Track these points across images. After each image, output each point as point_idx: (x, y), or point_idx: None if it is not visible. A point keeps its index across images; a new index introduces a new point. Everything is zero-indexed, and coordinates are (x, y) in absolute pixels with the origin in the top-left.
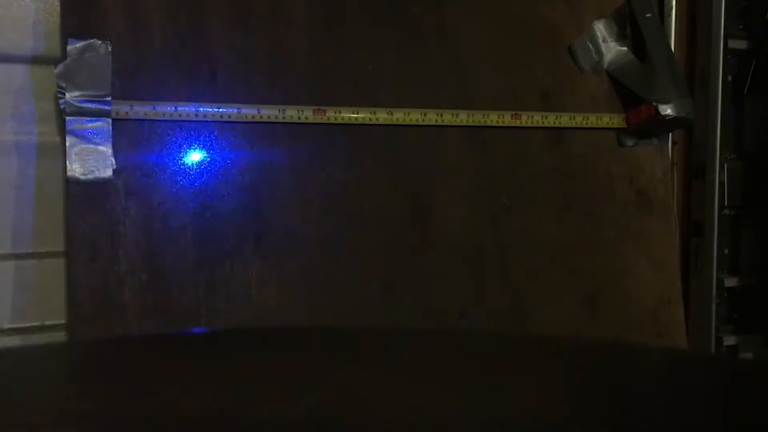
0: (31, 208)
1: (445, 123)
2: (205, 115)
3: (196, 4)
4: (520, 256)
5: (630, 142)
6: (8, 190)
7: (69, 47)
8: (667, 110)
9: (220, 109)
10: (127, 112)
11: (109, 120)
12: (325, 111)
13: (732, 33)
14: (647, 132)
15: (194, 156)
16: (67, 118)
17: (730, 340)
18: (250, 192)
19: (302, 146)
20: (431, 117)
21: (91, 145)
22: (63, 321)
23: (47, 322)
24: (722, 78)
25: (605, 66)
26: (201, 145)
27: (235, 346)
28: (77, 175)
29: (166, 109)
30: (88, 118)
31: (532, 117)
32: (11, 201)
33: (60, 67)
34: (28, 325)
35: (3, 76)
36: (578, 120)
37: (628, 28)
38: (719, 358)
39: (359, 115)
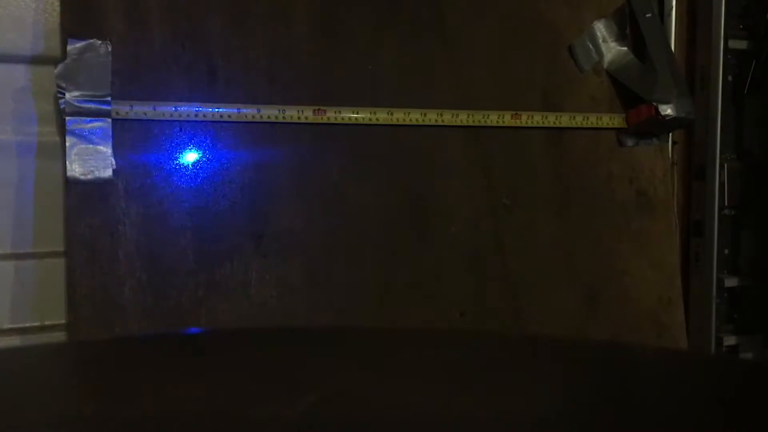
0: (31, 208)
1: (445, 123)
2: (204, 115)
3: (196, 4)
4: (520, 256)
5: (630, 142)
6: (8, 190)
7: (69, 47)
8: (667, 110)
9: (220, 109)
10: (127, 112)
11: (109, 120)
12: (325, 111)
13: (732, 33)
14: (647, 132)
15: (194, 156)
16: (67, 118)
17: (730, 340)
18: (250, 192)
19: (302, 146)
20: (431, 117)
21: (91, 145)
22: (63, 321)
23: (47, 322)
24: (722, 78)
25: (605, 66)
26: (201, 145)
27: (235, 346)
28: (77, 175)
29: (166, 109)
30: (88, 118)
31: (532, 117)
32: (11, 201)
33: (60, 67)
34: (28, 325)
35: (3, 76)
36: (578, 120)
37: (628, 28)
38: (719, 358)
39: (359, 115)
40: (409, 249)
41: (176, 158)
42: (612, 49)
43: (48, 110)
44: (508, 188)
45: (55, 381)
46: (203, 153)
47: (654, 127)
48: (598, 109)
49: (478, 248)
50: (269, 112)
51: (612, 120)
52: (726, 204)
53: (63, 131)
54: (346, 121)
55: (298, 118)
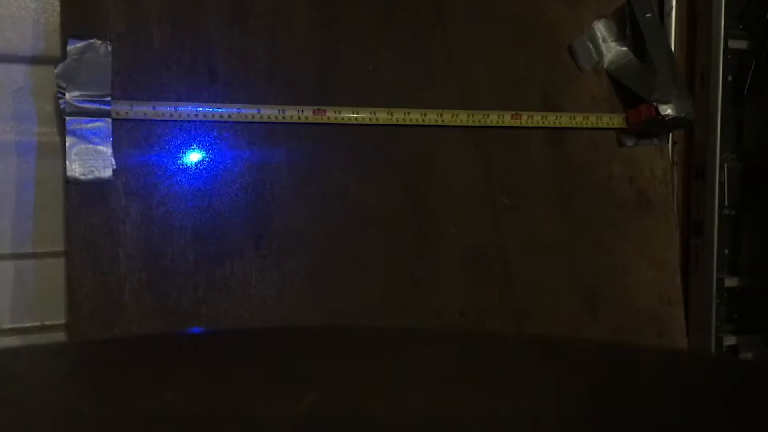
0: (31, 208)
1: (445, 123)
2: (205, 115)
3: (195, 5)
4: (520, 256)
5: (630, 142)
6: (8, 190)
7: (69, 47)
8: (667, 110)
9: (220, 109)
10: (127, 112)
11: (109, 120)
12: (325, 111)
13: (732, 33)
14: (647, 132)
15: (194, 156)
16: (67, 118)
17: (730, 340)
18: (250, 192)
19: (302, 146)
20: (431, 117)
21: (91, 145)
22: (63, 321)
23: (47, 322)
24: (722, 78)
25: (605, 66)
26: (201, 145)
27: (235, 346)
28: (77, 175)
29: (166, 109)
30: (88, 118)
31: (532, 117)
32: (11, 201)
33: (60, 67)
34: (28, 325)
35: (3, 76)
36: (578, 120)
37: (628, 28)
38: (719, 358)
39: (359, 115)
40: (409, 249)
41: (176, 158)
42: (612, 49)
43: (48, 110)
44: (508, 188)
45: (55, 381)
46: (203, 153)
47: (654, 127)
48: (598, 109)
49: (478, 248)
50: (269, 112)
51: (612, 120)
52: (726, 204)
53: (63, 131)
54: (346, 121)
55: (298, 118)
